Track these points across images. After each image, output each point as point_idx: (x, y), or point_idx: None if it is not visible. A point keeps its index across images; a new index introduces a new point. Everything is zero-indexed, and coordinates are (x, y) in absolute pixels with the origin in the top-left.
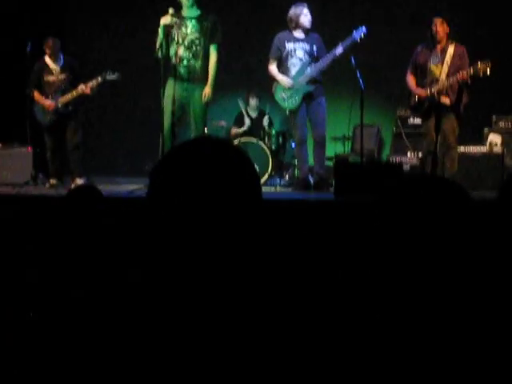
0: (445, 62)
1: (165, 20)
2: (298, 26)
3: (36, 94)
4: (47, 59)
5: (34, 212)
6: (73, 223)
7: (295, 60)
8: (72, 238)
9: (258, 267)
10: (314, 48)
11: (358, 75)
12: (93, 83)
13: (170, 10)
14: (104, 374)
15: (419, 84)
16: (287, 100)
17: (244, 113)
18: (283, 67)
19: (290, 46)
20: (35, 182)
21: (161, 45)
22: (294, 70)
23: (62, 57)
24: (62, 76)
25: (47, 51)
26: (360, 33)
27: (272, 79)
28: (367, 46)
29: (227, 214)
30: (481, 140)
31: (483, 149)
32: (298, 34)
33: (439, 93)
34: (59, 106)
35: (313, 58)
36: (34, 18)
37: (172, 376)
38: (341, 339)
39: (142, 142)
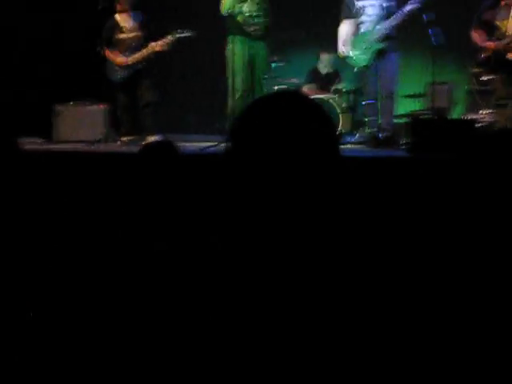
0: (510, 17)
1: None
2: None
3: (107, 52)
4: (118, 16)
5: (109, 169)
6: (150, 178)
7: (365, 17)
8: (149, 193)
9: (336, 225)
10: (385, 4)
11: (431, 32)
12: (164, 41)
13: None
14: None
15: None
16: (357, 57)
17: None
18: (355, 25)
19: (359, 3)
20: (107, 139)
21: (233, 2)
22: (363, 28)
23: (133, 14)
24: (134, 33)
25: (118, 8)
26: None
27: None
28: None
29: (307, 169)
30: None
31: None
32: None
33: (506, 48)
34: (130, 63)
35: (384, 14)
36: None
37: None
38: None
39: (211, 99)
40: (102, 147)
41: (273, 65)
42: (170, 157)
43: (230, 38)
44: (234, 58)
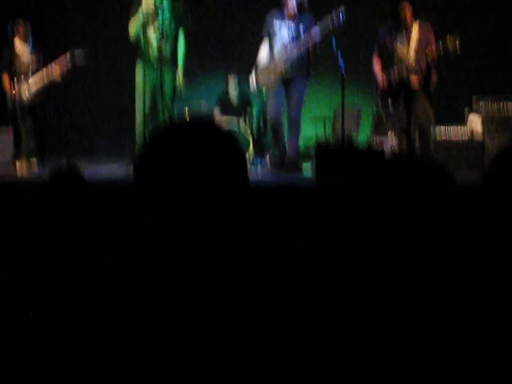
0: (411, 40)
1: (147, 8)
2: (283, 5)
3: (5, 79)
4: (17, 42)
5: (15, 194)
6: (57, 207)
7: (279, 38)
8: (56, 222)
9: (245, 253)
10: (301, 28)
11: (339, 56)
12: (61, 68)
13: None
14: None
15: (386, 66)
16: (266, 80)
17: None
18: (271, 44)
19: (277, 23)
20: (15, 163)
21: (141, 26)
22: (276, 48)
23: (31, 39)
24: (32, 58)
25: (17, 34)
26: (339, 13)
27: (246, 56)
28: (348, 28)
29: (214, 197)
30: (461, 120)
31: (463, 129)
32: (287, 11)
33: (408, 71)
34: (26, 96)
35: (298, 37)
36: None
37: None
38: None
39: (121, 122)
40: (11, 170)
41: (182, 89)
42: (77, 182)
43: (137, 63)
44: (137, 83)
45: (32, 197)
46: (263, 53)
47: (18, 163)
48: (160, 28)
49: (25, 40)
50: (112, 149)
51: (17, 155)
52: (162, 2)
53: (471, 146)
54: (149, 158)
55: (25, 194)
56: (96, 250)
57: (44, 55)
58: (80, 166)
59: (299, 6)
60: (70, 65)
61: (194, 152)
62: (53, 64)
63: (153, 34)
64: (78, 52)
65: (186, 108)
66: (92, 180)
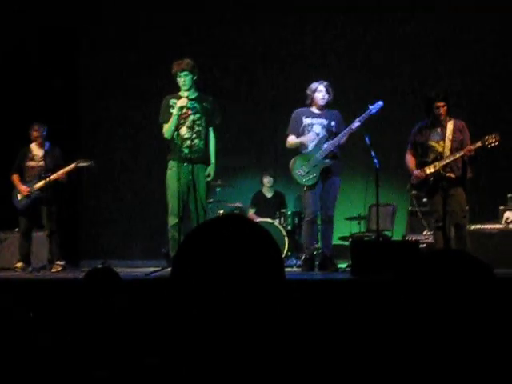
0: (446, 138)
1: (182, 103)
2: (312, 102)
3: (15, 178)
4: (32, 145)
5: (51, 295)
6: (91, 305)
7: (312, 134)
8: (91, 320)
9: (280, 348)
10: (332, 123)
11: (373, 154)
12: (62, 171)
13: (185, 94)
14: None
15: (420, 162)
16: (305, 176)
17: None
18: (302, 144)
19: (307, 120)
20: (52, 266)
21: (176, 127)
22: (311, 145)
23: (47, 144)
24: (42, 162)
25: (33, 137)
26: (377, 107)
27: (281, 156)
28: (381, 124)
29: (251, 293)
30: (496, 218)
31: (499, 226)
32: (315, 110)
33: (445, 168)
34: (33, 191)
35: (330, 133)
36: (48, 101)
37: None
38: None
39: (156, 224)
40: (48, 273)
41: (217, 189)
42: (112, 282)
43: (169, 162)
44: (171, 183)
45: (68, 295)
46: (298, 139)
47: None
48: (192, 127)
49: (40, 145)
50: (147, 251)
51: (53, 259)
52: (193, 103)
53: (507, 241)
54: (186, 254)
55: (61, 292)
56: (132, 345)
57: (56, 159)
58: (115, 268)
59: (327, 101)
60: (72, 170)
61: (230, 247)
62: (59, 172)
63: (185, 134)
64: (84, 163)
65: (222, 210)
66: (127, 279)
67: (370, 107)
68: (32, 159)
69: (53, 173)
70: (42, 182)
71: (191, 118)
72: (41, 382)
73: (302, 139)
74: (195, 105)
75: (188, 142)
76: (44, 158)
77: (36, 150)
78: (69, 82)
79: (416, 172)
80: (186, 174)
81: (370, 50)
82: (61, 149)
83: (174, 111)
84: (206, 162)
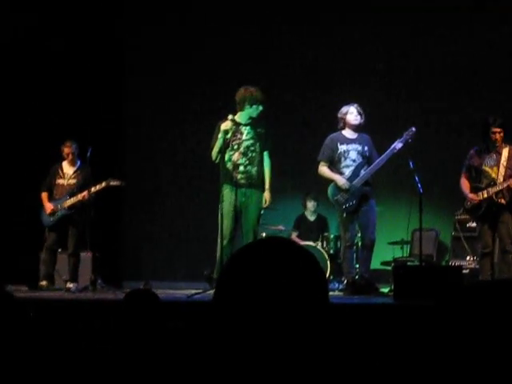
0: (501, 165)
1: (225, 126)
2: (345, 125)
3: (43, 196)
4: (64, 163)
5: (92, 316)
6: (131, 327)
7: (349, 161)
8: (131, 341)
9: (324, 372)
10: (366, 148)
11: (416, 179)
12: (92, 190)
13: (230, 116)
14: None
15: (474, 187)
16: (344, 203)
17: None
18: (335, 169)
19: (342, 147)
20: (94, 287)
21: (220, 150)
22: (347, 172)
23: (78, 162)
24: (73, 181)
25: (64, 153)
26: (410, 133)
27: (324, 180)
28: (423, 149)
29: (295, 317)
30: None
31: None
32: (349, 134)
33: (497, 195)
34: (59, 209)
35: (365, 158)
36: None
37: None
38: None
39: (199, 246)
40: (90, 294)
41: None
42: (151, 305)
43: (221, 185)
44: (223, 205)
45: (108, 316)
46: (332, 173)
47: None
48: (245, 153)
49: (71, 163)
50: (190, 273)
51: (95, 280)
52: (248, 128)
53: None
54: (229, 276)
55: (101, 313)
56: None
57: (87, 178)
58: (157, 290)
59: (359, 123)
60: (101, 190)
61: (274, 270)
62: (89, 189)
63: (239, 160)
64: (115, 182)
65: (264, 233)
66: (169, 300)
67: (405, 133)
68: (62, 177)
69: (82, 191)
70: (71, 200)
71: (245, 143)
72: None
73: (336, 178)
74: (250, 130)
75: (241, 168)
76: (75, 176)
77: (67, 168)
78: (114, 100)
79: (471, 195)
80: (239, 196)
81: (408, 74)
82: (105, 168)
83: (219, 135)
84: (260, 187)
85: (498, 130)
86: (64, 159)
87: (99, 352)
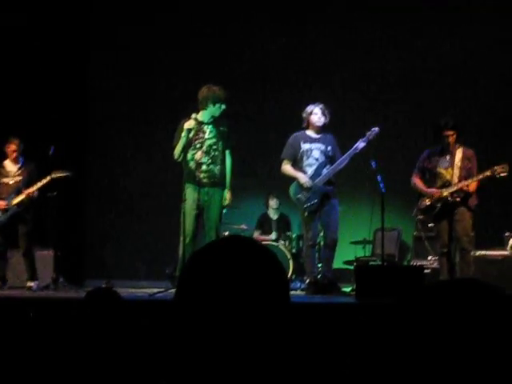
0: (455, 166)
1: (188, 124)
2: (309, 124)
3: None
4: (6, 162)
5: (53, 314)
6: (91, 326)
7: (311, 160)
8: (91, 340)
9: (284, 371)
10: (329, 148)
11: (379, 179)
12: (37, 185)
13: (193, 115)
14: None
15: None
16: (306, 201)
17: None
18: (298, 168)
19: (305, 146)
20: (56, 285)
21: (183, 148)
22: (310, 171)
23: (21, 159)
24: (18, 178)
25: (9, 153)
26: (373, 133)
27: (287, 179)
28: (385, 150)
29: (257, 316)
30: (502, 244)
31: (504, 252)
32: (312, 133)
33: (452, 195)
34: (10, 206)
35: (328, 158)
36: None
37: None
38: None
39: (161, 245)
40: (51, 293)
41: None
42: (113, 303)
43: (184, 183)
44: (185, 204)
45: (69, 314)
46: (295, 172)
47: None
48: (208, 152)
49: (14, 161)
50: (152, 272)
51: (57, 279)
52: (210, 127)
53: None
54: (190, 275)
55: (62, 312)
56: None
57: (32, 174)
58: (119, 288)
59: (323, 123)
60: (47, 183)
61: (236, 269)
62: (36, 185)
63: (201, 159)
64: (59, 174)
65: (227, 232)
66: (131, 299)
67: (367, 133)
68: (6, 175)
69: (28, 188)
70: (18, 198)
71: (208, 142)
72: None
73: (299, 176)
74: (212, 129)
75: (204, 167)
76: (19, 173)
77: (10, 166)
78: (77, 96)
79: (430, 190)
80: (201, 195)
81: (374, 76)
82: (66, 166)
83: (183, 133)
84: (222, 186)
85: (451, 132)
86: (6, 158)
87: (60, 350)
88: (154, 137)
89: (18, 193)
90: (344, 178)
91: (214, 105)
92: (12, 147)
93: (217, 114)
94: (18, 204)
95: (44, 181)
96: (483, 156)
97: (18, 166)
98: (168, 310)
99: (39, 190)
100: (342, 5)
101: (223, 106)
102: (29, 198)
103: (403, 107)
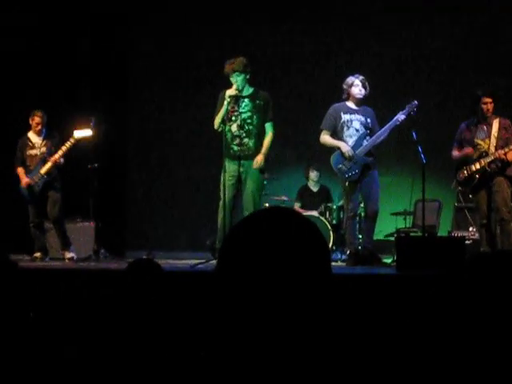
0: (492, 136)
1: (231, 92)
2: (349, 96)
3: (19, 170)
4: (30, 134)
5: (94, 286)
6: (134, 297)
7: (352, 131)
8: (134, 311)
9: (327, 343)
10: (368, 120)
11: (420, 150)
12: (62, 150)
13: (234, 86)
14: None
15: (466, 161)
16: (347, 171)
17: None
18: (338, 138)
19: (346, 116)
20: (97, 257)
21: (223, 118)
22: (350, 141)
23: (44, 130)
24: (44, 149)
25: (34, 125)
26: (413, 106)
27: (327, 151)
28: (426, 121)
29: (298, 287)
30: None
31: None
32: (353, 105)
33: (489, 165)
34: (39, 178)
35: (368, 129)
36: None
37: None
38: None
39: (202, 216)
40: (93, 264)
41: (264, 182)
42: (154, 274)
43: (223, 157)
44: (223, 176)
45: (110, 286)
46: (336, 141)
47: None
48: (242, 126)
49: (38, 133)
50: (193, 243)
51: (98, 250)
52: (246, 101)
53: None
54: (231, 247)
55: (104, 283)
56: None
57: (57, 143)
58: (160, 260)
59: (364, 95)
60: (71, 147)
61: (276, 240)
62: (60, 151)
63: (236, 132)
64: (81, 134)
65: (267, 203)
66: (172, 271)
67: (407, 106)
68: (33, 147)
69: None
70: (48, 165)
71: (242, 116)
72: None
73: (341, 145)
74: (248, 103)
75: (237, 140)
76: (44, 144)
77: (35, 138)
78: (117, 63)
79: (467, 150)
80: (238, 167)
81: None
82: (108, 139)
83: (225, 101)
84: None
85: (489, 99)
86: (29, 130)
87: (104, 322)
88: (195, 106)
89: (44, 163)
90: (385, 149)
91: (239, 75)
92: (36, 119)
93: (242, 84)
94: (46, 173)
95: (68, 144)
96: None
97: (42, 136)
98: (209, 281)
99: (65, 155)
100: None
101: (244, 76)
102: (55, 165)
103: (443, 79)
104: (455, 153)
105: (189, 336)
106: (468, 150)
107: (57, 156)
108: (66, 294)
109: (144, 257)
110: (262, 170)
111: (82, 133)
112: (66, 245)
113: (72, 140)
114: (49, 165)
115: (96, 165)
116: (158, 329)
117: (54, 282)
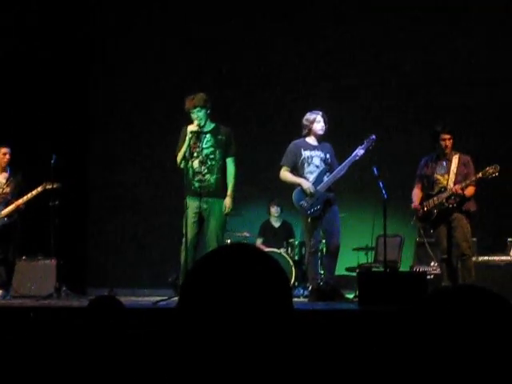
0: (451, 171)
1: (192, 127)
2: (310, 132)
3: None
4: None
5: (56, 323)
6: (94, 334)
7: (312, 167)
8: (94, 348)
9: (288, 380)
10: (328, 156)
11: (381, 185)
12: (28, 197)
13: (195, 122)
14: None
15: (426, 194)
16: (309, 208)
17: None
18: (298, 175)
19: (306, 153)
20: (59, 294)
21: (185, 154)
22: (311, 177)
23: (8, 169)
24: (7, 189)
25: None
26: (371, 140)
27: (288, 187)
28: (388, 157)
29: (259, 323)
30: (504, 250)
31: (506, 258)
32: (312, 141)
33: (447, 200)
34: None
35: (327, 165)
36: (58, 131)
37: None
38: None
39: (164, 253)
40: (54, 302)
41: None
42: (116, 312)
43: (185, 194)
44: (186, 212)
45: (72, 323)
46: (296, 178)
47: None
48: (204, 162)
49: (3, 170)
50: (155, 280)
51: (60, 288)
52: (207, 137)
53: None
54: (193, 283)
55: (65, 320)
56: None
57: (20, 184)
58: (122, 297)
59: (324, 134)
60: (36, 195)
61: (238, 276)
62: (27, 195)
63: (197, 168)
64: (51, 186)
65: (229, 240)
66: (134, 308)
67: (365, 141)
68: None
69: (18, 198)
70: (10, 208)
71: (204, 152)
72: None
73: (301, 182)
74: (210, 138)
75: (199, 176)
76: (8, 184)
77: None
78: (79, 107)
79: (414, 204)
80: (201, 204)
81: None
82: (68, 175)
83: (187, 136)
84: (222, 195)
85: (448, 136)
86: None
87: (63, 358)
88: (156, 147)
89: (7, 204)
90: (346, 185)
91: (200, 110)
92: (5, 157)
93: (203, 119)
94: (7, 215)
95: (34, 192)
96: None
97: (7, 175)
98: (171, 317)
99: (28, 201)
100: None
101: (205, 111)
102: (17, 209)
103: (402, 114)
104: (416, 190)
105: (150, 373)
106: (414, 205)
107: (21, 201)
108: (27, 331)
109: (105, 294)
110: (226, 215)
111: (51, 185)
112: (2, 283)
113: (40, 189)
114: (11, 207)
115: (57, 202)
116: (119, 366)
117: (14, 319)
